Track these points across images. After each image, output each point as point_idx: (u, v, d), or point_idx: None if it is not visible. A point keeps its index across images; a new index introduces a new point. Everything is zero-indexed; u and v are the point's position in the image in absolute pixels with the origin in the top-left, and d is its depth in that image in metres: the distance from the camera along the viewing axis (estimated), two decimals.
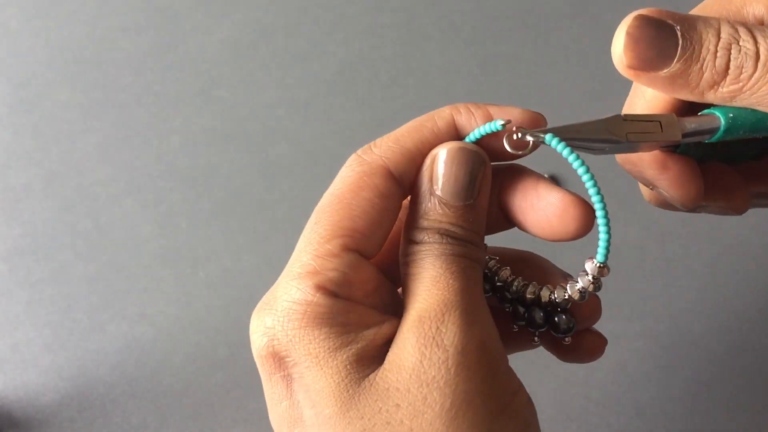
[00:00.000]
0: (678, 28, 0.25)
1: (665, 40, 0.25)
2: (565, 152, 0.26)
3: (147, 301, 0.55)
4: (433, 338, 0.23)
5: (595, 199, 0.26)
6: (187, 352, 0.54)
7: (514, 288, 0.28)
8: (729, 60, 0.25)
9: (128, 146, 0.61)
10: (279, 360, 0.25)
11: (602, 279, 0.27)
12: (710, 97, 0.26)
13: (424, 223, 0.26)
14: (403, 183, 0.27)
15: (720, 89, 0.25)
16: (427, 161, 0.27)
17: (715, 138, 0.28)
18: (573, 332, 0.28)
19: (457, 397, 0.23)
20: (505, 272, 0.28)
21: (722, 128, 0.27)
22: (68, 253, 0.57)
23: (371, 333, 0.24)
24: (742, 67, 0.25)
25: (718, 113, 0.27)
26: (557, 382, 0.52)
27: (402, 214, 0.28)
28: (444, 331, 0.23)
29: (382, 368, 0.24)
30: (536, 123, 0.27)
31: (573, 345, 0.29)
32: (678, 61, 0.25)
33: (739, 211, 0.33)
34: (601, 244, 0.27)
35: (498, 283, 0.29)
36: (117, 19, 0.66)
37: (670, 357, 0.53)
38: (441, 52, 0.64)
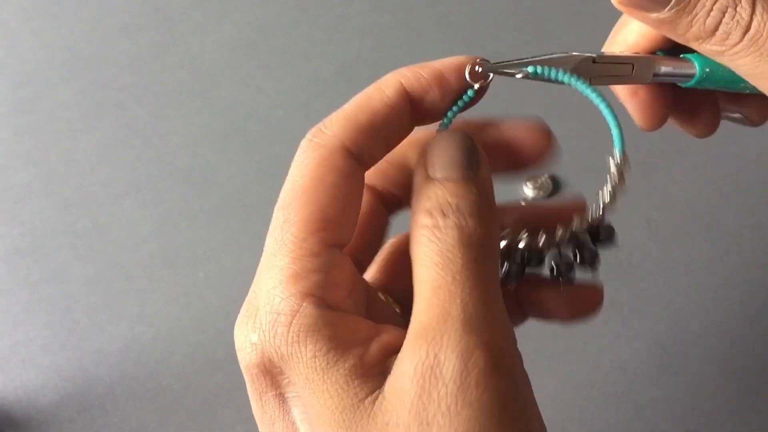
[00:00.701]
0: None
1: None
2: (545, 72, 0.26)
3: (147, 301, 0.55)
4: (432, 369, 0.21)
5: (597, 101, 0.26)
6: (187, 352, 0.54)
7: (539, 248, 0.27)
8: (720, 23, 0.25)
9: (128, 146, 0.61)
10: (272, 378, 0.23)
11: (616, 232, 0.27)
12: (694, 46, 0.26)
13: (427, 204, 0.24)
14: (363, 159, 0.25)
15: (704, 44, 0.25)
16: (417, 158, 0.26)
17: (687, 85, 0.28)
18: (598, 260, 0.27)
19: None
20: (522, 238, 0.27)
21: (695, 79, 0.28)
22: (68, 253, 0.57)
23: (360, 351, 0.22)
24: (730, 33, 0.25)
25: (696, 62, 0.28)
26: (557, 382, 0.52)
27: (368, 196, 0.27)
28: (443, 359, 0.21)
29: (382, 396, 0.22)
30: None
31: (574, 298, 0.28)
32: (671, 9, 0.25)
33: (705, 135, 0.33)
34: (615, 137, 0.26)
35: (517, 260, 0.27)
36: (117, 19, 0.66)
37: (670, 357, 0.53)
38: (441, 52, 0.64)
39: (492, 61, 0.26)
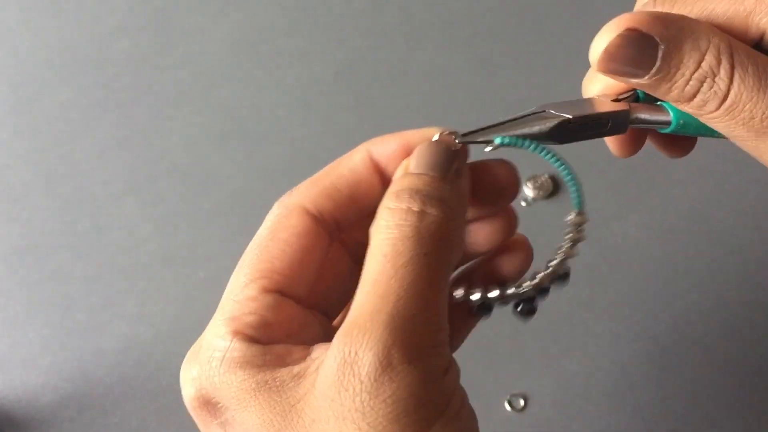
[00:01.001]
0: (662, 47, 0.25)
1: (643, 58, 0.25)
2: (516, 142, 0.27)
3: (147, 301, 0.55)
4: (351, 366, 0.22)
5: (556, 165, 0.27)
6: (186, 352, 0.54)
7: (521, 292, 0.29)
8: (698, 91, 0.25)
9: (128, 146, 0.61)
10: (212, 407, 0.25)
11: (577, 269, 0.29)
12: (673, 104, 0.26)
13: (397, 187, 0.25)
14: (324, 219, 0.27)
15: (685, 107, 0.26)
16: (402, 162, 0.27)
17: (664, 131, 0.29)
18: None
19: (374, 429, 0.22)
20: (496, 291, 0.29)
21: (671, 128, 0.28)
22: (68, 253, 0.57)
23: (289, 370, 0.24)
24: (707, 102, 0.25)
25: (671, 112, 0.28)
26: (557, 382, 0.52)
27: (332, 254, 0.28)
28: (361, 356, 0.22)
29: (312, 396, 0.23)
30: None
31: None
32: (650, 78, 0.25)
33: (679, 156, 0.33)
34: (573, 195, 0.28)
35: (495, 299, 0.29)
36: (117, 19, 0.66)
37: (670, 357, 0.53)
38: (441, 52, 0.64)
39: (461, 132, 0.27)
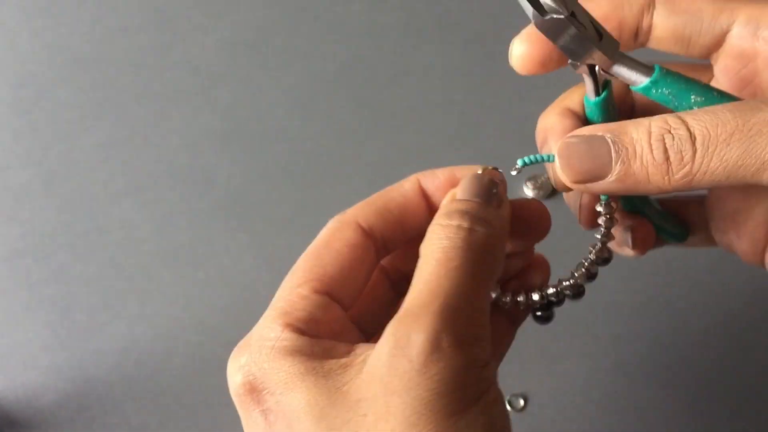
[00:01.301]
0: (608, 136, 0.26)
1: (597, 149, 0.27)
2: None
3: (147, 301, 0.55)
4: (403, 349, 0.24)
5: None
6: (187, 352, 0.54)
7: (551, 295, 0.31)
8: (665, 149, 0.25)
9: (128, 146, 0.61)
10: (257, 394, 0.27)
11: (597, 268, 0.31)
12: (669, 188, 0.26)
13: (445, 210, 0.28)
14: (374, 234, 0.30)
15: (673, 177, 0.26)
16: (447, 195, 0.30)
17: (636, 88, 0.29)
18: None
19: (419, 402, 0.24)
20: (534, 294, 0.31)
21: (643, 86, 0.29)
22: (68, 253, 0.57)
23: (336, 361, 0.26)
24: (681, 151, 0.25)
25: (647, 78, 0.29)
26: (557, 382, 0.52)
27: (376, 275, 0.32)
28: (413, 339, 0.24)
29: (359, 379, 0.25)
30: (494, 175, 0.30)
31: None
32: (617, 163, 0.26)
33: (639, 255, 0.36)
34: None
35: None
36: (117, 19, 0.66)
37: (670, 357, 0.53)
38: (441, 52, 0.64)
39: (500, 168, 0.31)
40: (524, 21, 0.30)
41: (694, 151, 0.25)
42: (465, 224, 0.27)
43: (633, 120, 0.27)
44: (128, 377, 0.53)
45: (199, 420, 0.52)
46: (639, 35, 0.31)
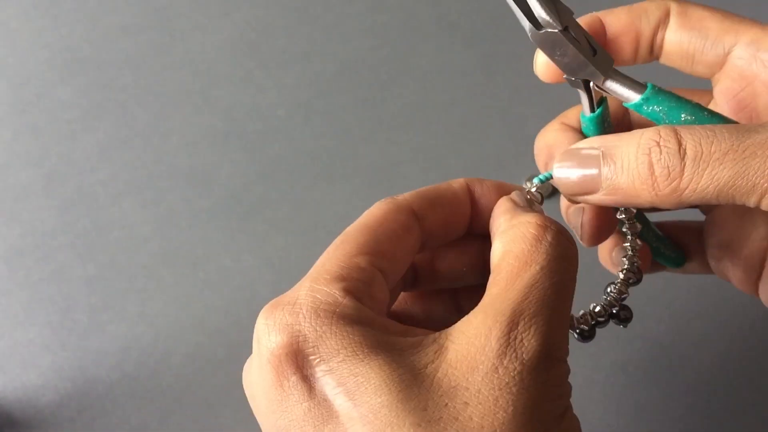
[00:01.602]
0: (599, 149, 0.27)
1: (587, 162, 0.27)
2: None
3: (147, 301, 0.55)
4: (515, 349, 0.24)
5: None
6: (187, 352, 0.54)
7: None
8: (651, 163, 0.25)
9: (128, 146, 0.61)
10: (302, 359, 0.24)
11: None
12: (659, 202, 0.26)
13: (537, 220, 0.28)
14: (423, 223, 0.29)
15: (660, 192, 0.26)
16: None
17: (628, 105, 0.30)
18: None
19: (525, 405, 0.23)
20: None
21: (635, 102, 0.29)
22: (68, 253, 0.57)
23: (403, 339, 0.25)
24: (668, 166, 0.25)
25: (640, 95, 0.29)
26: None
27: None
28: (526, 343, 0.24)
29: (446, 364, 0.24)
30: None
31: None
32: (605, 177, 0.27)
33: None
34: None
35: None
36: (117, 19, 0.66)
37: (670, 357, 0.53)
38: (441, 52, 0.64)
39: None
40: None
41: (683, 167, 0.25)
42: (563, 240, 0.27)
43: (628, 132, 0.27)
44: (128, 377, 0.53)
45: (199, 420, 0.52)
46: (654, 49, 0.32)
